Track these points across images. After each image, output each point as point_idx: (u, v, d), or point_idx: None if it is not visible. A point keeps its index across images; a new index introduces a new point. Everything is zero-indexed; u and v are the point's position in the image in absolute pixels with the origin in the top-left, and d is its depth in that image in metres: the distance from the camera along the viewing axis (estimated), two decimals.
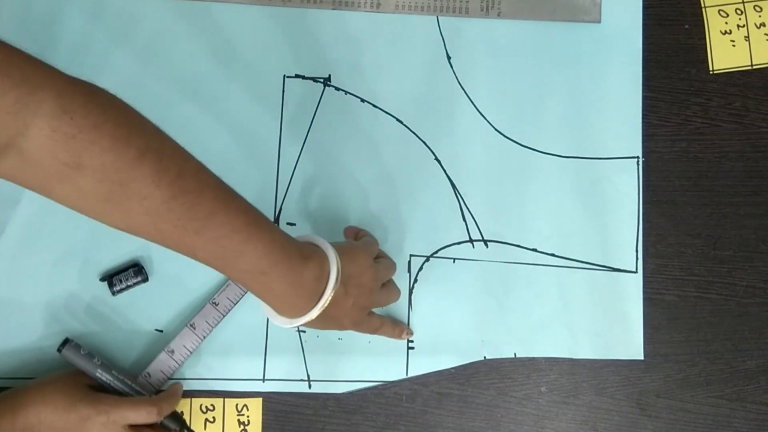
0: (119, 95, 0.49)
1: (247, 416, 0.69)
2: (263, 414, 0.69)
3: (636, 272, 0.71)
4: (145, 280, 0.68)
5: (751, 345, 0.72)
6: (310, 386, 0.70)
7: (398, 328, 0.69)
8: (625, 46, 0.73)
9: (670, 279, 0.72)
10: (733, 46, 0.74)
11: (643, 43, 0.73)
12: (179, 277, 0.69)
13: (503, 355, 0.71)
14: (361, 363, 0.70)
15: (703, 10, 0.74)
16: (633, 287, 0.71)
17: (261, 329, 0.69)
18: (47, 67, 0.45)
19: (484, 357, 0.71)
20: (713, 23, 0.74)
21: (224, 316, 0.68)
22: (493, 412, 0.70)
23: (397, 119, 0.72)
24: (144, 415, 0.62)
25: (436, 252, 0.71)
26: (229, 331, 0.69)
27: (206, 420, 0.69)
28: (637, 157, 0.72)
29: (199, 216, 0.50)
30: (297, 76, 0.72)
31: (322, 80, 0.72)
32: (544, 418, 0.70)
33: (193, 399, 0.69)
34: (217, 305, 0.68)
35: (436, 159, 0.72)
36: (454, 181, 0.72)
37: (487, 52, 0.73)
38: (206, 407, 0.69)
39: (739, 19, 0.74)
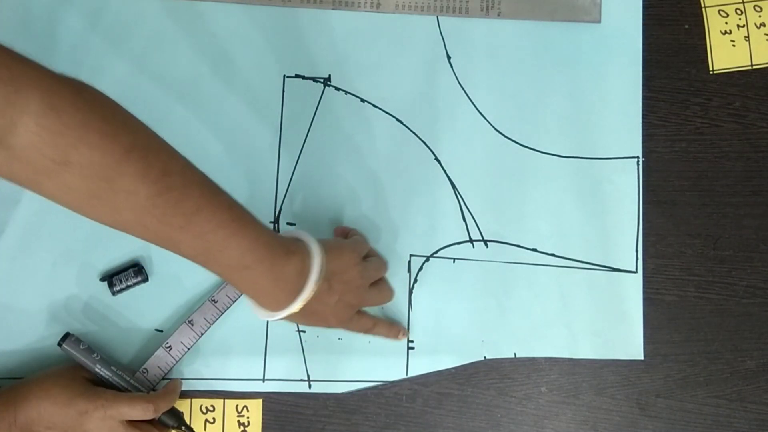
0: (118, 96, 0.49)
1: (247, 417, 0.69)
2: (263, 414, 0.69)
3: (636, 272, 0.71)
4: (145, 280, 0.68)
5: (751, 345, 0.72)
6: (310, 386, 0.70)
7: (394, 328, 0.69)
8: (625, 46, 0.73)
9: (670, 279, 0.72)
10: (733, 46, 0.74)
11: (643, 43, 0.73)
12: (179, 278, 0.69)
13: (503, 355, 0.71)
14: (361, 363, 0.70)
15: (703, 10, 0.74)
16: (633, 287, 0.71)
17: (261, 329, 0.69)
18: (35, 65, 0.45)
19: (484, 357, 0.71)
20: (713, 23, 0.74)
21: (222, 313, 0.68)
22: (493, 412, 0.70)
23: (397, 119, 0.72)
24: (140, 411, 0.62)
25: (436, 252, 0.71)
26: (229, 330, 0.69)
27: (206, 421, 0.69)
28: (637, 157, 0.72)
29: (185, 212, 0.50)
30: (297, 76, 0.72)
31: (322, 80, 0.72)
32: (544, 418, 0.70)
33: (193, 399, 0.69)
34: (215, 302, 0.68)
35: (436, 159, 0.72)
36: (454, 181, 0.72)
37: (487, 52, 0.73)
38: (206, 408, 0.69)
39: (739, 19, 0.74)
